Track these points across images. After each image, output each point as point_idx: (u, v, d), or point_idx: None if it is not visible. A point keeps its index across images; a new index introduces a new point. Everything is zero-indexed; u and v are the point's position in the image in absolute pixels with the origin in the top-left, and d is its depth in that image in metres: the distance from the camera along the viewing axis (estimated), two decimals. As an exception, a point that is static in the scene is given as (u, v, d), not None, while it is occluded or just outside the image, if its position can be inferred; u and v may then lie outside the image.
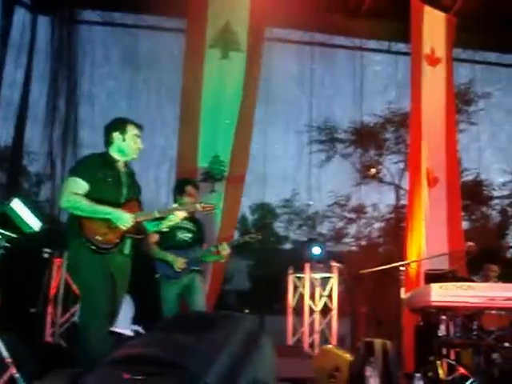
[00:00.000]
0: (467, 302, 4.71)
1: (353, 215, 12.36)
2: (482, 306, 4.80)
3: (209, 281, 6.81)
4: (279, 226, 17.04)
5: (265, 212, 19.46)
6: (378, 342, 5.42)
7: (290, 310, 7.70)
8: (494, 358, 5.18)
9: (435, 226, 7.64)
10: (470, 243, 6.22)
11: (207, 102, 7.33)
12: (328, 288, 7.66)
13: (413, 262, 6.10)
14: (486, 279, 6.69)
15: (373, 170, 12.24)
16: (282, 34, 8.94)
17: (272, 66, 8.94)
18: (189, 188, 5.46)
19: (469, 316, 5.40)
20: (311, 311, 7.62)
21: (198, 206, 4.26)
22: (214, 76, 7.40)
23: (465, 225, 13.05)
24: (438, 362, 5.15)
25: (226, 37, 7.47)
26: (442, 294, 4.68)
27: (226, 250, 5.47)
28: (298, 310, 7.74)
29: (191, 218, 5.41)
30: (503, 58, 9.67)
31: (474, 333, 5.36)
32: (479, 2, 7.75)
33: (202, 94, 7.33)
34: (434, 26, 8.16)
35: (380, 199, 12.38)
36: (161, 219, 4.06)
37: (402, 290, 5.40)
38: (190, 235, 5.43)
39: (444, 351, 5.30)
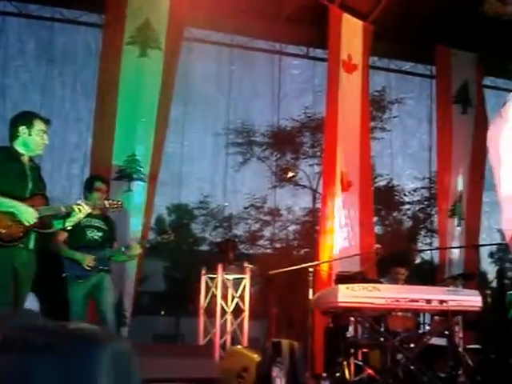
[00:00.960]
0: (373, 303, 4.81)
1: (268, 218, 12.49)
2: (387, 307, 4.93)
3: (125, 281, 6.73)
4: (196, 228, 17.05)
5: (182, 213, 19.34)
6: (285, 343, 5.47)
7: (201, 311, 7.66)
8: (399, 358, 5.33)
9: (347, 230, 7.81)
10: (377, 245, 6.40)
11: (124, 100, 7.18)
12: (240, 289, 7.66)
13: (320, 263, 6.18)
14: (394, 281, 6.86)
15: (290, 174, 12.39)
16: (201, 35, 8.88)
17: (191, 66, 8.92)
18: (98, 184, 5.35)
19: (376, 317, 5.53)
20: (223, 312, 7.60)
21: (105, 202, 4.20)
22: (131, 73, 7.26)
23: (378, 229, 13.44)
24: (345, 363, 5.27)
25: (145, 34, 7.35)
26: (348, 294, 4.77)
27: (136, 250, 5.40)
28: (211, 311, 7.71)
29: (102, 216, 5.31)
30: (417, 67, 9.97)
31: (381, 334, 5.51)
32: (396, 12, 7.93)
33: (119, 91, 7.17)
34: (351, 34, 8.32)
35: (296, 202, 12.59)
36: (68, 216, 3.96)
37: (310, 291, 5.44)
38: (100, 234, 5.31)
39: (352, 352, 5.42)
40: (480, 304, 5.15)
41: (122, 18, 7.33)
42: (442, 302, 4.94)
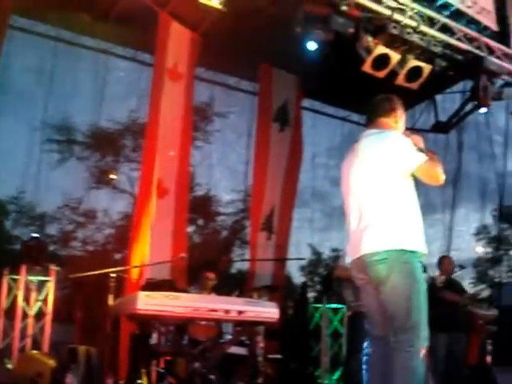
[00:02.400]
0: (172, 312, 4.81)
1: (83, 219, 12.10)
2: (186, 315, 4.96)
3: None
4: (8, 225, 16.09)
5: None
6: (82, 349, 5.36)
7: (1, 313, 7.25)
8: (196, 366, 5.40)
9: (160, 237, 7.73)
10: (182, 254, 6.46)
11: None
12: (44, 292, 7.36)
13: (124, 269, 6.08)
14: (202, 288, 6.94)
15: (112, 176, 12.14)
16: (26, 25, 8.47)
17: (12, 55, 8.44)
18: None
19: (179, 326, 5.57)
20: (25, 315, 7.25)
21: None
22: None
23: (196, 238, 13.57)
24: (144, 371, 5.24)
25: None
26: (148, 302, 4.72)
27: None
28: (12, 314, 7.32)
29: None
30: (241, 83, 10.22)
31: (182, 342, 5.54)
32: (225, 27, 8.01)
33: None
34: (179, 42, 8.29)
35: (112, 206, 12.31)
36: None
37: (111, 298, 5.37)
38: None
39: (155, 360, 5.40)
40: (277, 315, 5.34)
41: None
42: (240, 312, 5.05)
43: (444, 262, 7.99)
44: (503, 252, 18.15)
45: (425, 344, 3.34)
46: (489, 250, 18.75)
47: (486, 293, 17.22)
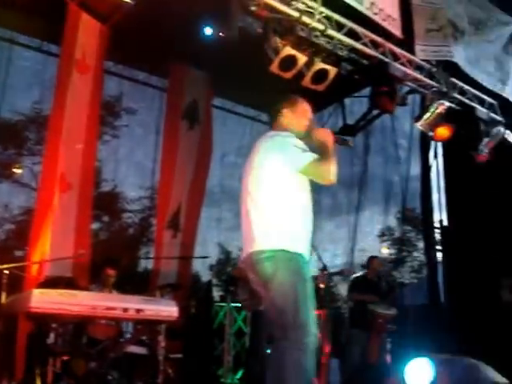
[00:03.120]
0: (68, 310, 4.70)
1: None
2: (83, 314, 4.86)
3: None
4: None
5: None
6: None
7: None
8: (94, 366, 5.29)
9: (62, 233, 7.50)
10: (81, 251, 6.31)
11: None
12: None
13: (17, 266, 5.84)
14: (103, 284, 6.81)
15: (14, 170, 11.69)
16: None
17: None
18: None
19: (77, 325, 5.43)
20: None
21: None
22: None
23: (103, 235, 13.27)
24: (37, 371, 5.08)
25: None
26: (42, 300, 4.60)
27: None
28: None
29: None
30: (151, 78, 10.09)
31: (80, 342, 5.42)
32: (136, 21, 7.85)
33: None
34: (87, 34, 8.06)
35: (14, 200, 11.85)
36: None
37: (3, 295, 5.20)
38: None
39: (52, 360, 5.23)
40: (176, 314, 5.32)
41: None
42: (138, 310, 5.01)
43: (373, 262, 8.26)
44: (406, 253, 18.75)
45: (315, 340, 3.36)
46: (392, 251, 19.32)
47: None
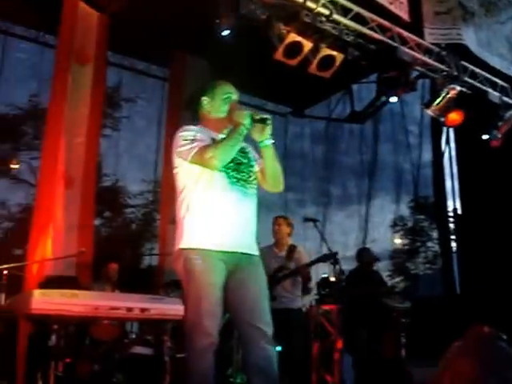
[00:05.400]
0: (70, 311, 4.49)
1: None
2: (86, 314, 4.66)
3: None
4: None
5: None
6: None
7: None
8: (98, 369, 5.14)
9: (65, 230, 7.28)
10: (82, 249, 6.14)
11: None
12: None
13: (16, 266, 5.65)
14: (105, 280, 6.61)
15: (12, 166, 11.50)
16: None
17: None
18: None
19: (80, 326, 5.28)
20: None
21: None
22: None
23: (103, 231, 13.05)
24: (39, 374, 4.94)
25: None
26: (44, 301, 4.39)
27: None
28: None
29: None
30: (151, 68, 9.87)
31: (83, 343, 5.27)
32: (135, 9, 7.64)
33: None
34: (85, 24, 7.83)
35: (11, 197, 11.65)
36: None
37: (2, 296, 5.04)
38: None
39: (54, 363, 5.06)
40: (182, 312, 5.10)
41: None
42: (143, 310, 4.82)
43: (363, 254, 8.01)
44: (420, 244, 18.49)
45: (208, 342, 3.19)
46: (405, 241, 19.04)
47: (402, 285, 17.55)
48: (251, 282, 3.39)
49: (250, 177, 3.53)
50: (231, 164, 3.42)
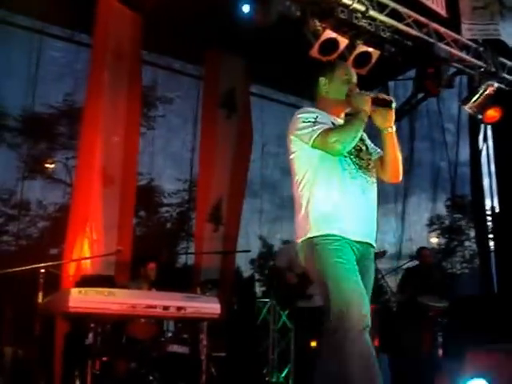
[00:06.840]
0: (108, 309, 4.55)
1: (15, 212, 11.33)
2: (122, 313, 4.71)
3: None
4: None
5: None
6: (7, 350, 5.05)
7: None
8: (135, 367, 5.14)
9: (104, 230, 7.29)
10: (118, 248, 6.14)
11: None
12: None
13: (53, 264, 5.67)
14: (143, 280, 6.62)
15: (47, 165, 11.56)
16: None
17: None
18: None
19: (117, 324, 5.28)
20: None
21: None
22: None
23: (138, 231, 13.08)
24: (76, 373, 4.97)
25: None
26: (81, 299, 4.45)
27: None
28: None
29: None
30: (186, 67, 9.85)
31: (120, 341, 5.28)
32: (170, 8, 7.61)
33: None
34: (119, 23, 7.89)
35: (48, 196, 11.69)
36: None
37: (40, 295, 5.02)
38: None
39: (91, 361, 5.06)
40: (219, 311, 5.13)
41: None
42: (179, 308, 4.87)
43: (423, 253, 8.02)
44: (457, 243, 18.19)
45: (365, 323, 3.00)
46: (442, 240, 18.75)
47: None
48: (368, 276, 3.27)
49: (369, 165, 3.39)
50: (353, 150, 3.28)
